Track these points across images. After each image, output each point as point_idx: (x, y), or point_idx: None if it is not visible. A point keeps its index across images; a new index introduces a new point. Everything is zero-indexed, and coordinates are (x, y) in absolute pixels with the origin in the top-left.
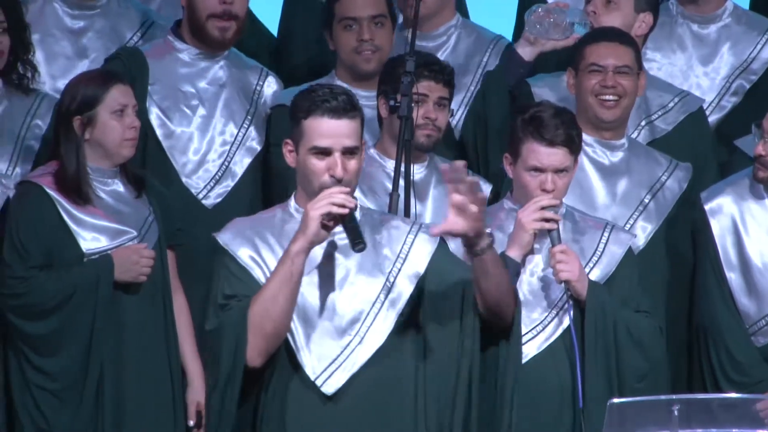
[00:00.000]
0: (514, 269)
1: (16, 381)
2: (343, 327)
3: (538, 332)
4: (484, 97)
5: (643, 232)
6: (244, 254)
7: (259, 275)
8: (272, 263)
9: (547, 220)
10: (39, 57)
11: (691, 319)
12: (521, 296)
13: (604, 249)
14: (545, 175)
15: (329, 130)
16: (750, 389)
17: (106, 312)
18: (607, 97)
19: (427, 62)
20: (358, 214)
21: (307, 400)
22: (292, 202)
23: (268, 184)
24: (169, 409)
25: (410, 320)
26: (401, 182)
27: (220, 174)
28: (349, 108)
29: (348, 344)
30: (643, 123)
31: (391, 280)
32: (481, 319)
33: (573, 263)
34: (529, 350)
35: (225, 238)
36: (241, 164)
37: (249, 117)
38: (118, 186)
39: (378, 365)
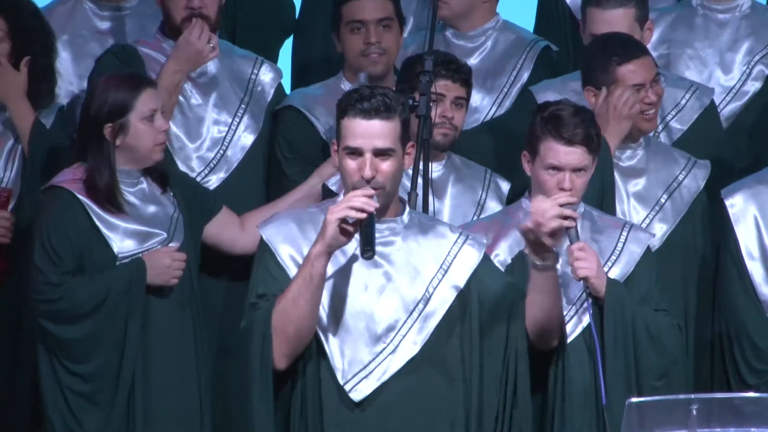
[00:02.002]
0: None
1: (48, 383)
2: (378, 334)
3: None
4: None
5: (659, 232)
6: (284, 252)
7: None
8: None
9: (565, 218)
10: (67, 57)
11: (714, 316)
12: None
13: (623, 248)
14: (563, 174)
15: (361, 130)
16: None
17: (138, 316)
18: (650, 112)
19: (444, 61)
20: (405, 217)
21: (334, 405)
22: (339, 200)
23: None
24: (196, 412)
25: (449, 333)
26: (419, 181)
27: (215, 162)
28: (383, 109)
29: (381, 351)
30: (659, 128)
31: (431, 290)
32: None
33: (591, 260)
34: None
35: (268, 232)
36: (236, 153)
37: (243, 106)
38: (144, 184)
39: (410, 376)
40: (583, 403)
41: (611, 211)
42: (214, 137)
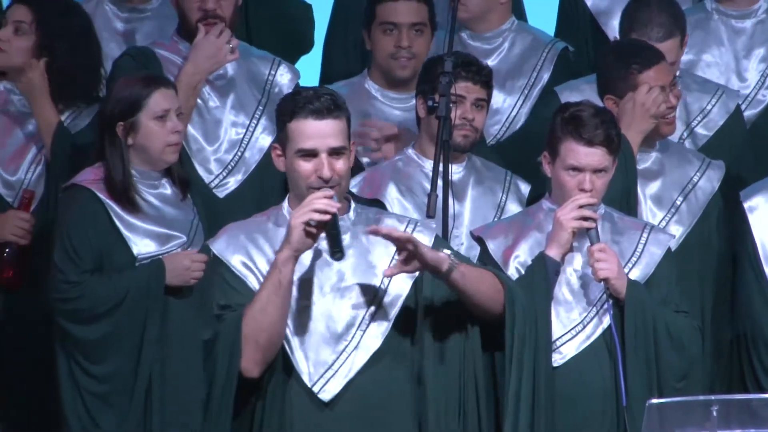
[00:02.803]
0: (553, 268)
1: (66, 384)
2: (339, 332)
3: (578, 332)
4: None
5: (675, 234)
6: (237, 262)
7: (253, 282)
8: (266, 269)
9: (585, 219)
10: None
11: (733, 319)
12: (560, 296)
13: (643, 249)
14: (583, 175)
15: (314, 131)
16: None
17: (157, 317)
18: (670, 115)
19: (464, 63)
20: (352, 214)
21: (304, 407)
22: (285, 206)
23: None
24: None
25: (406, 323)
26: (439, 182)
27: (233, 164)
28: (333, 108)
29: (344, 350)
30: (684, 134)
31: (386, 282)
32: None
33: (611, 261)
34: (568, 351)
35: (218, 246)
36: (254, 154)
37: (261, 107)
38: (165, 188)
39: (374, 370)
40: (602, 405)
41: (634, 211)
42: (232, 139)
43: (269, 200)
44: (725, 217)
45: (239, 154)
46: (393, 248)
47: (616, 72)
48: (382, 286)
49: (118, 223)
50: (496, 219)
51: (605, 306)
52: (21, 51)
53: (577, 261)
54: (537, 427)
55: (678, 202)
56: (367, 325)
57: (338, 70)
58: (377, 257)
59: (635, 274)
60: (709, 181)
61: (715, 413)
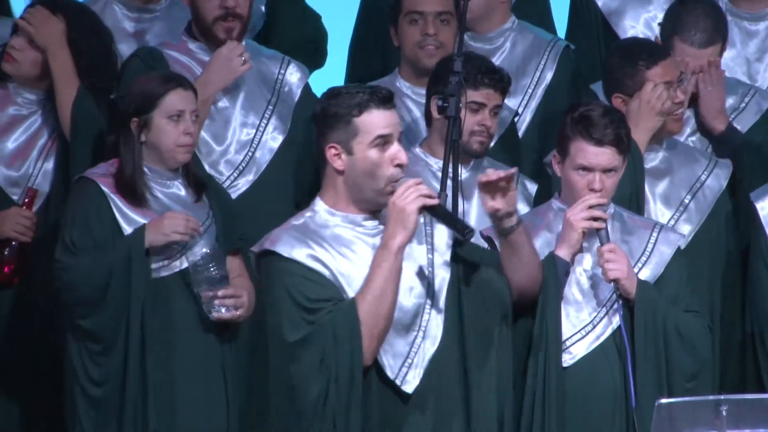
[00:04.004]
0: (563, 268)
1: (72, 381)
2: (408, 322)
3: (588, 332)
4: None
5: (684, 233)
6: (305, 257)
7: (328, 275)
8: (335, 266)
9: (595, 219)
10: None
11: (745, 318)
12: (570, 296)
13: (653, 249)
14: (593, 175)
15: (387, 119)
16: None
17: (143, 290)
18: (678, 111)
19: (488, 70)
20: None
21: (389, 400)
22: (322, 206)
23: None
24: (222, 411)
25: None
26: (449, 182)
27: (244, 165)
28: (392, 97)
29: (414, 339)
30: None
31: (431, 269)
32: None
33: (621, 262)
34: (578, 351)
35: (281, 247)
36: (265, 154)
37: (270, 107)
38: (179, 189)
39: (442, 358)
40: (612, 405)
41: (642, 212)
42: (242, 140)
43: (280, 200)
44: (734, 216)
45: (250, 154)
46: (423, 236)
47: (622, 70)
48: (429, 273)
49: (120, 219)
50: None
51: (615, 306)
52: (33, 63)
53: (587, 261)
54: (548, 426)
55: (686, 201)
56: (429, 314)
57: (363, 74)
58: (414, 246)
59: (645, 274)
60: (716, 180)
61: (724, 413)
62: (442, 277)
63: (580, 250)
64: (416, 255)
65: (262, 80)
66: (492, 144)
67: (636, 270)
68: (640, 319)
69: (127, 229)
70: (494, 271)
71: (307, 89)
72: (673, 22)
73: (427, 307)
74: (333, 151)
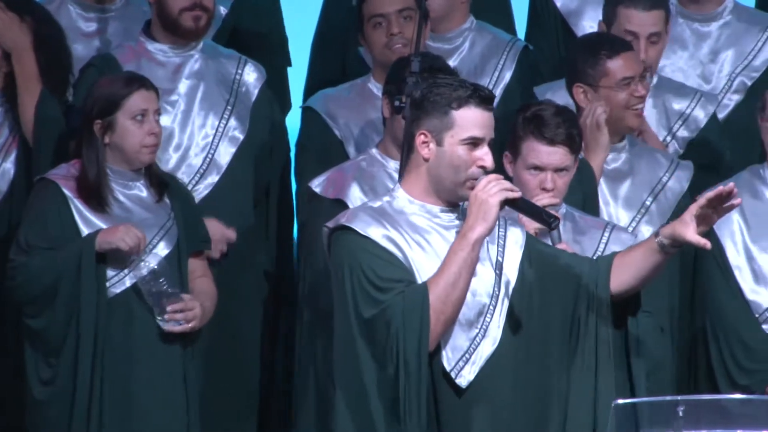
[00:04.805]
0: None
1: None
2: (471, 319)
3: None
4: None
5: (646, 234)
6: (380, 237)
7: (400, 256)
8: (408, 251)
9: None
10: None
11: (693, 320)
12: None
13: (604, 249)
14: (545, 174)
15: (483, 120)
16: (763, 376)
17: (94, 294)
18: (638, 106)
19: (434, 68)
20: None
21: (444, 392)
22: (402, 192)
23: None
24: (182, 414)
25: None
26: None
27: (204, 167)
28: (493, 99)
29: (475, 336)
30: (668, 138)
31: (500, 269)
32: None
33: None
34: None
35: (358, 224)
36: (225, 155)
37: (229, 107)
38: (140, 190)
39: (500, 359)
40: None
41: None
42: (202, 142)
43: (242, 200)
44: None
45: (210, 156)
46: (495, 238)
47: (584, 61)
48: (497, 272)
49: (78, 221)
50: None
51: None
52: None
53: None
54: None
55: (648, 203)
56: (493, 313)
57: (324, 75)
58: (485, 246)
59: None
60: (678, 182)
61: (681, 413)
62: (508, 280)
63: None
64: (488, 254)
65: (220, 80)
66: None
67: None
68: None
69: (86, 232)
70: (575, 257)
71: (264, 90)
72: None
73: (491, 307)
74: (423, 138)
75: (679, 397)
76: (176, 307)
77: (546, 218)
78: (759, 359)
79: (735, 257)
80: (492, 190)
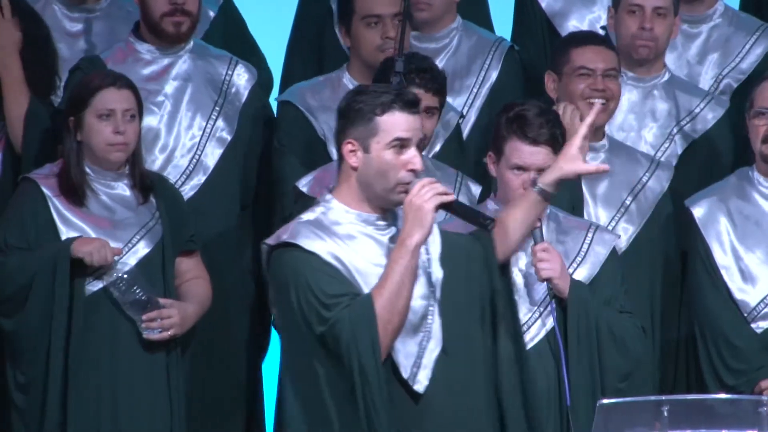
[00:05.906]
0: None
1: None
2: (416, 323)
3: (523, 332)
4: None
5: (624, 234)
6: (325, 253)
7: (344, 272)
8: (347, 261)
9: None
10: None
11: (680, 321)
12: None
13: (588, 249)
14: (528, 174)
15: (408, 123)
16: (750, 376)
17: (66, 298)
18: (594, 100)
19: (420, 69)
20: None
21: (402, 398)
22: (336, 202)
23: (266, 182)
24: (167, 417)
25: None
26: None
27: (191, 168)
28: (418, 103)
29: (421, 341)
30: (674, 130)
31: (429, 270)
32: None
33: (554, 261)
34: None
35: (303, 241)
36: (212, 157)
37: (217, 108)
38: (123, 190)
39: (446, 360)
40: (546, 405)
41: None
42: (189, 143)
43: (228, 202)
44: (675, 219)
45: (197, 157)
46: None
47: (557, 48)
48: (428, 273)
49: (57, 221)
50: (446, 219)
51: (549, 308)
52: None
53: (521, 261)
54: None
55: (627, 202)
56: (432, 316)
57: (300, 75)
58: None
59: (581, 274)
60: (658, 182)
61: (666, 413)
62: (437, 278)
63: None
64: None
65: (209, 81)
66: (439, 146)
67: (571, 270)
68: (573, 318)
69: (64, 231)
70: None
71: (255, 91)
72: None
73: (431, 308)
74: (350, 146)
75: (663, 397)
76: (151, 315)
77: (482, 221)
78: (746, 359)
79: (722, 257)
80: (426, 195)
